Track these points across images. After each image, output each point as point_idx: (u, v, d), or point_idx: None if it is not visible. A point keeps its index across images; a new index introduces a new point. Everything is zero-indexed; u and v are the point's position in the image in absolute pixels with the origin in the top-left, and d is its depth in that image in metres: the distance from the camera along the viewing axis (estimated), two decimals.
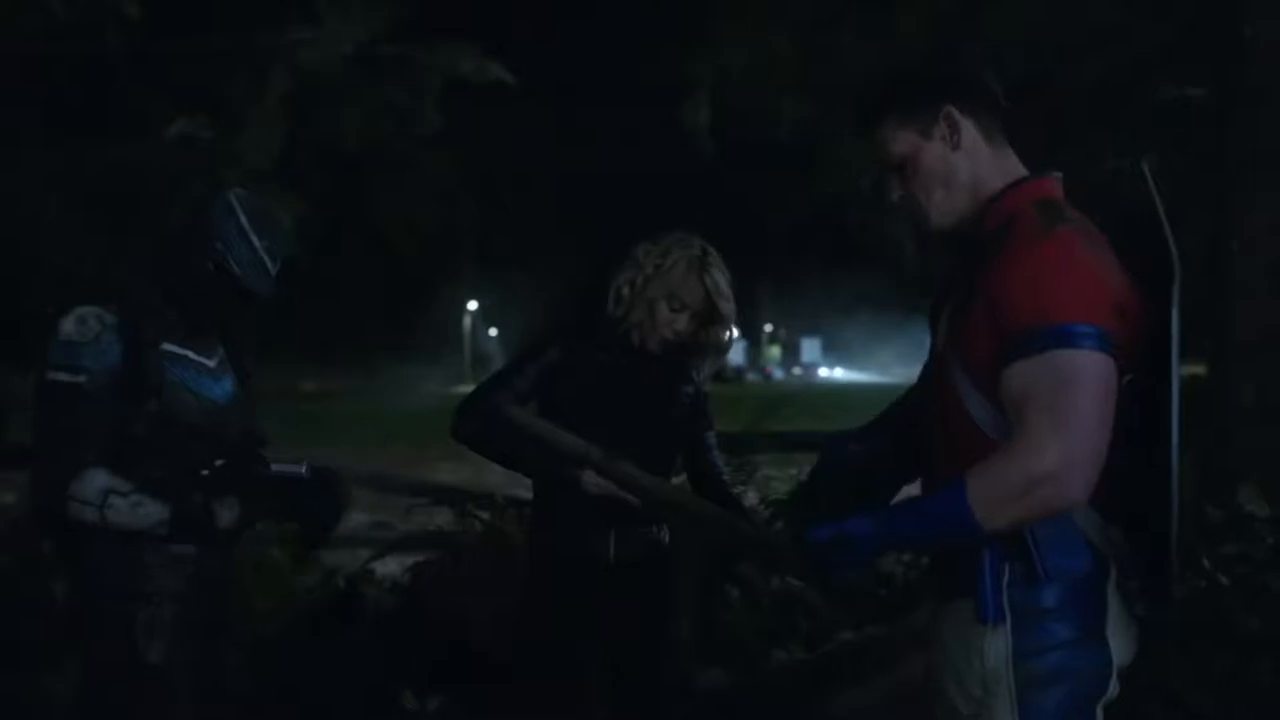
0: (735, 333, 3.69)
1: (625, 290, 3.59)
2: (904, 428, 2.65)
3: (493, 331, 67.63)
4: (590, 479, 3.43)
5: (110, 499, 2.99)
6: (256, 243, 3.10)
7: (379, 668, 4.37)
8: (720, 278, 3.58)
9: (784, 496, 5.76)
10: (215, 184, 7.36)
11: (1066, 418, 2.23)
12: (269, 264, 3.13)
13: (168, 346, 3.11)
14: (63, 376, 3.02)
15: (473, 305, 66.74)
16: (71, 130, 7.82)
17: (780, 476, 6.03)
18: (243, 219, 3.11)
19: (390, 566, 5.46)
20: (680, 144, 8.63)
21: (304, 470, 3.17)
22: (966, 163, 2.49)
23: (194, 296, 3.14)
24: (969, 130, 2.49)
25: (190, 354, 3.16)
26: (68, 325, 3.05)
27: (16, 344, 3.23)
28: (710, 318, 3.59)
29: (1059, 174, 2.52)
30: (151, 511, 3.01)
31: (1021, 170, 2.53)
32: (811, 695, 4.51)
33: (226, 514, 3.08)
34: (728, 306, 3.59)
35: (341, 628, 4.44)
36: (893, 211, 2.77)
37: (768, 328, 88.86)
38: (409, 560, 5.37)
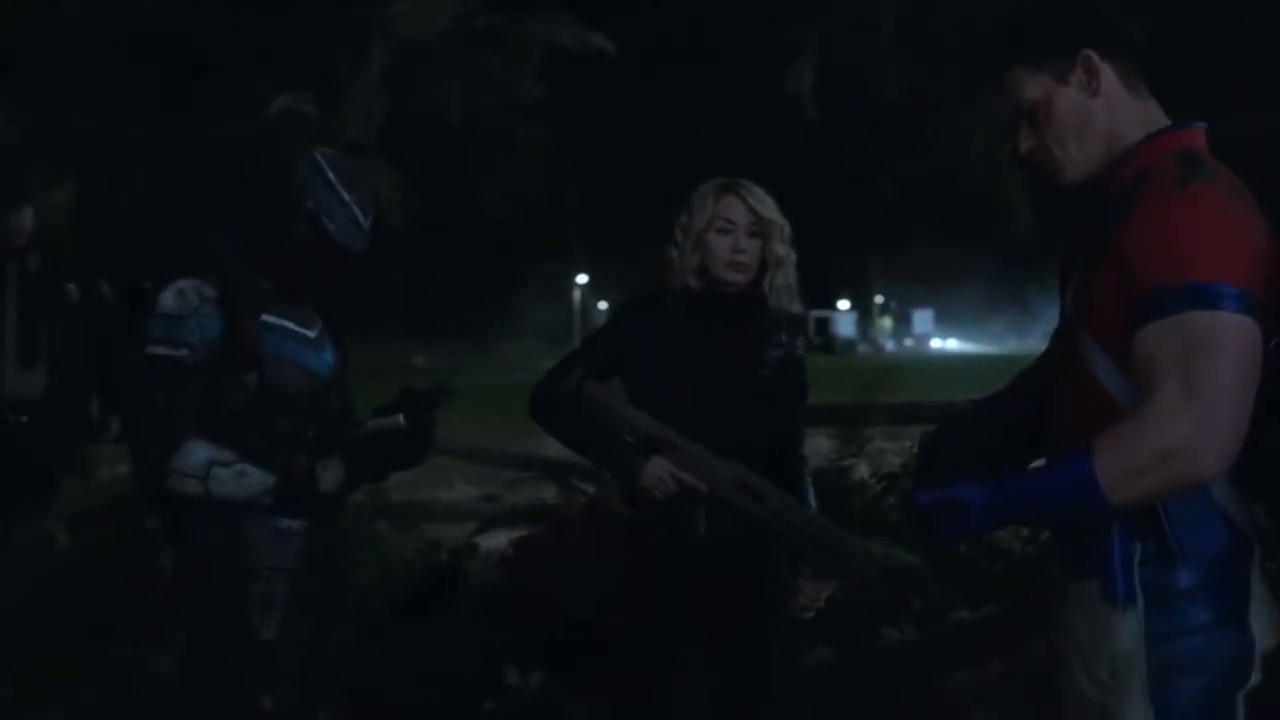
0: (792, 254, 3.61)
1: (679, 235, 3.57)
2: (1031, 398, 2.49)
3: (602, 305, 67.85)
4: (652, 470, 3.36)
5: (213, 470, 2.96)
6: (346, 197, 3.07)
7: (481, 643, 4.31)
8: (756, 190, 3.57)
9: (896, 469, 5.61)
10: None
11: (1203, 385, 2.06)
12: (360, 218, 3.10)
13: (267, 318, 3.08)
14: (163, 350, 2.99)
15: (582, 279, 66.97)
16: (174, 107, 7.85)
17: (893, 449, 5.89)
18: (330, 175, 3.08)
19: (499, 540, 5.41)
20: (785, 111, 8.45)
21: (401, 421, 3.10)
22: (1104, 111, 2.32)
23: (290, 260, 3.10)
24: (1108, 75, 2.32)
25: (291, 325, 3.13)
26: (167, 299, 3.03)
27: (122, 320, 3.21)
28: (759, 230, 3.53)
29: (1202, 124, 2.34)
30: (255, 480, 2.97)
31: (1163, 120, 2.35)
32: (924, 676, 4.37)
33: (329, 477, 3.03)
34: (770, 211, 3.55)
35: (443, 603, 4.39)
36: (1013, 170, 2.62)
37: (878, 299, 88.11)
38: (515, 534, 5.32)
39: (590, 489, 5.64)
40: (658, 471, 3.38)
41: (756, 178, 3.63)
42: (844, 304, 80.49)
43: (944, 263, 65.96)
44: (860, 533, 3.87)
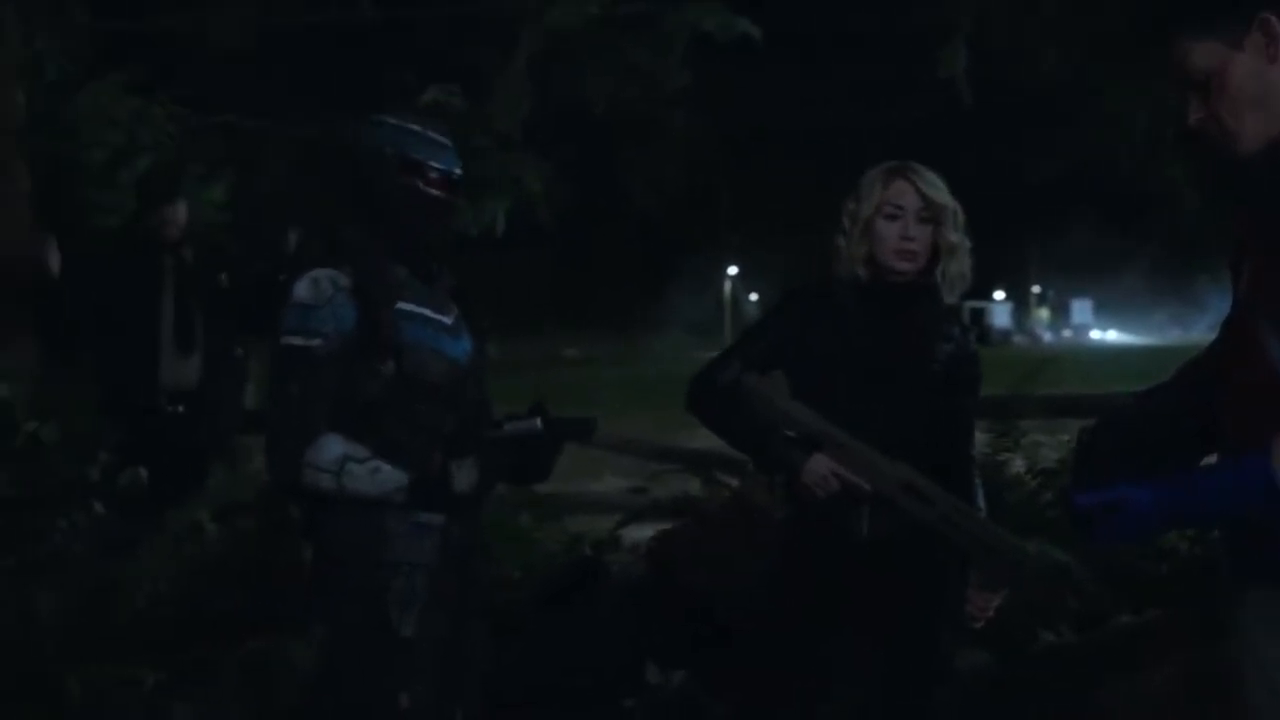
0: (966, 241, 3.44)
1: (847, 222, 3.42)
2: (1198, 391, 2.32)
3: (753, 297, 67.60)
4: (814, 467, 3.25)
5: (347, 465, 2.91)
6: (417, 128, 3.09)
7: (622, 639, 4.24)
8: (926, 174, 3.40)
9: (1053, 464, 5.41)
10: (466, 151, 7.38)
11: None
12: (439, 138, 3.10)
13: (404, 306, 3.03)
14: (297, 340, 2.97)
15: (733, 270, 66.77)
16: (324, 103, 7.96)
17: (1049, 443, 5.69)
18: (392, 120, 3.10)
19: (646, 532, 5.35)
20: (936, 95, 8.24)
21: (539, 425, 3.04)
22: None
23: (402, 227, 3.06)
24: None
25: (428, 312, 3.08)
26: (301, 289, 3.00)
27: (264, 314, 3.22)
28: (930, 215, 3.37)
29: None
30: (390, 477, 2.93)
31: None
32: (1082, 682, 4.19)
33: (464, 477, 2.98)
34: (941, 196, 3.39)
35: (584, 597, 4.33)
36: (1177, 151, 2.45)
37: (1035, 289, 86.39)
38: (659, 528, 5.25)
39: (734, 482, 5.54)
40: (820, 469, 3.27)
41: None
42: (999, 294, 79.02)
43: (1104, 251, 64.32)
44: (1015, 530, 3.72)
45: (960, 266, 3.42)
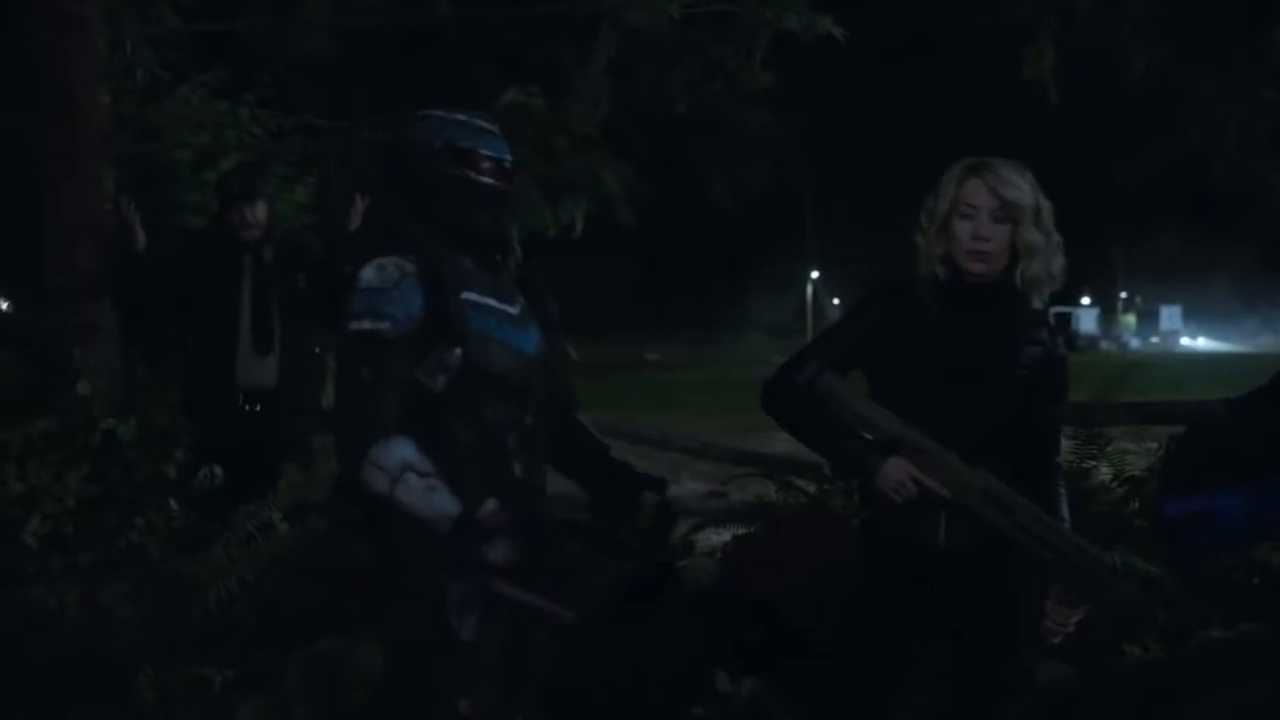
0: (1056, 238, 3.30)
1: (925, 220, 3.32)
2: None
3: (835, 300, 67.28)
4: (892, 471, 3.16)
5: (406, 474, 2.85)
6: (462, 117, 3.10)
7: (691, 646, 4.18)
8: (1003, 171, 3.27)
9: (1141, 473, 5.27)
10: (545, 151, 7.37)
11: None
12: (486, 124, 3.11)
13: (468, 295, 3.00)
14: (365, 324, 2.94)
15: (815, 274, 66.50)
16: (406, 102, 7.98)
17: (1136, 450, 5.55)
18: (439, 113, 3.10)
19: (725, 536, 5.28)
20: (1021, 96, 8.09)
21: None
22: None
23: (460, 216, 3.05)
24: None
25: (493, 302, 3.05)
26: (368, 273, 2.98)
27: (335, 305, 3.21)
28: (1005, 214, 3.25)
29: None
30: (442, 502, 2.86)
31: None
32: (1169, 698, 4.05)
33: (499, 554, 2.88)
34: (1017, 194, 3.25)
35: (654, 603, 4.28)
36: (1270, 154, 2.34)
37: (1123, 294, 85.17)
38: (735, 533, 5.18)
39: (811, 488, 5.45)
40: (897, 474, 3.19)
41: None
42: (1085, 299, 77.92)
43: (1192, 255, 63.26)
44: (1100, 540, 3.61)
45: (1042, 268, 3.28)
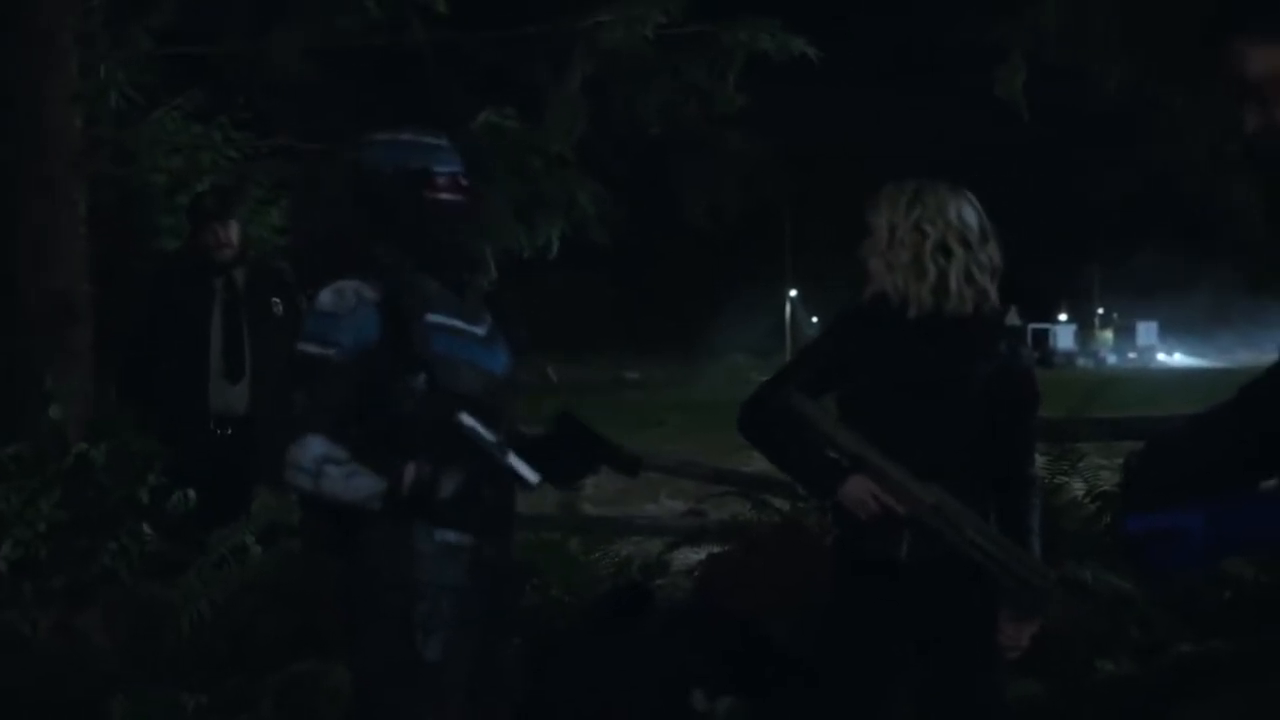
0: (966, 252, 3.30)
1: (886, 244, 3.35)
2: (1261, 412, 2.22)
3: (814, 319, 67.39)
4: (852, 489, 3.21)
5: (325, 467, 2.87)
6: (405, 137, 3.06)
7: (667, 665, 4.17)
8: (886, 194, 3.36)
9: (1113, 488, 5.29)
10: (521, 171, 7.39)
11: None
12: (435, 139, 3.08)
13: (433, 318, 2.99)
14: (313, 349, 2.95)
15: (793, 293, 66.61)
16: (380, 124, 7.97)
17: (1109, 465, 5.57)
18: (403, 138, 3.07)
19: (701, 555, 5.28)
20: (1000, 116, 8.14)
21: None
22: None
23: (422, 237, 3.03)
24: None
25: (459, 323, 3.04)
26: (325, 297, 2.98)
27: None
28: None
29: None
30: (365, 484, 2.87)
31: None
32: (1140, 714, 4.06)
33: (449, 484, 2.89)
34: (870, 214, 3.36)
35: (629, 621, 4.27)
36: (1242, 168, 2.35)
37: (1099, 311, 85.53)
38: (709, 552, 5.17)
39: (784, 507, 5.45)
40: (858, 492, 3.23)
41: (969, 185, 3.40)
42: (1063, 316, 78.21)
43: (1169, 272, 63.56)
44: (1072, 556, 3.62)
45: (963, 280, 3.29)
